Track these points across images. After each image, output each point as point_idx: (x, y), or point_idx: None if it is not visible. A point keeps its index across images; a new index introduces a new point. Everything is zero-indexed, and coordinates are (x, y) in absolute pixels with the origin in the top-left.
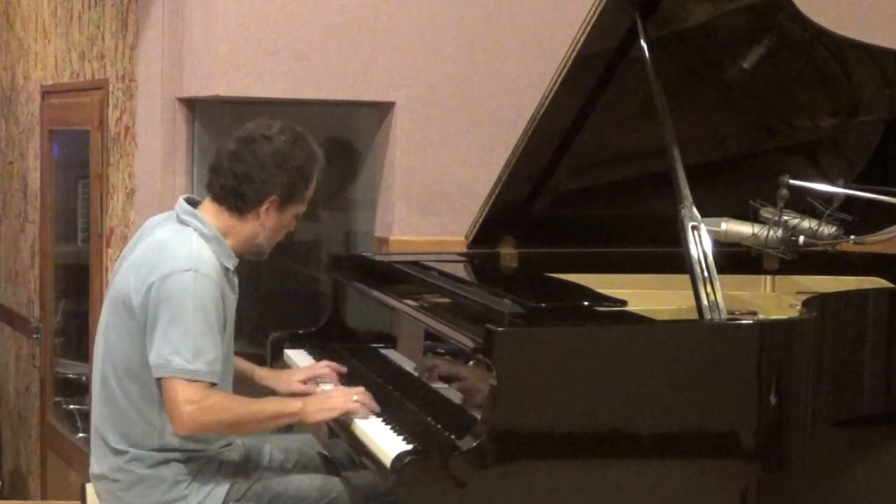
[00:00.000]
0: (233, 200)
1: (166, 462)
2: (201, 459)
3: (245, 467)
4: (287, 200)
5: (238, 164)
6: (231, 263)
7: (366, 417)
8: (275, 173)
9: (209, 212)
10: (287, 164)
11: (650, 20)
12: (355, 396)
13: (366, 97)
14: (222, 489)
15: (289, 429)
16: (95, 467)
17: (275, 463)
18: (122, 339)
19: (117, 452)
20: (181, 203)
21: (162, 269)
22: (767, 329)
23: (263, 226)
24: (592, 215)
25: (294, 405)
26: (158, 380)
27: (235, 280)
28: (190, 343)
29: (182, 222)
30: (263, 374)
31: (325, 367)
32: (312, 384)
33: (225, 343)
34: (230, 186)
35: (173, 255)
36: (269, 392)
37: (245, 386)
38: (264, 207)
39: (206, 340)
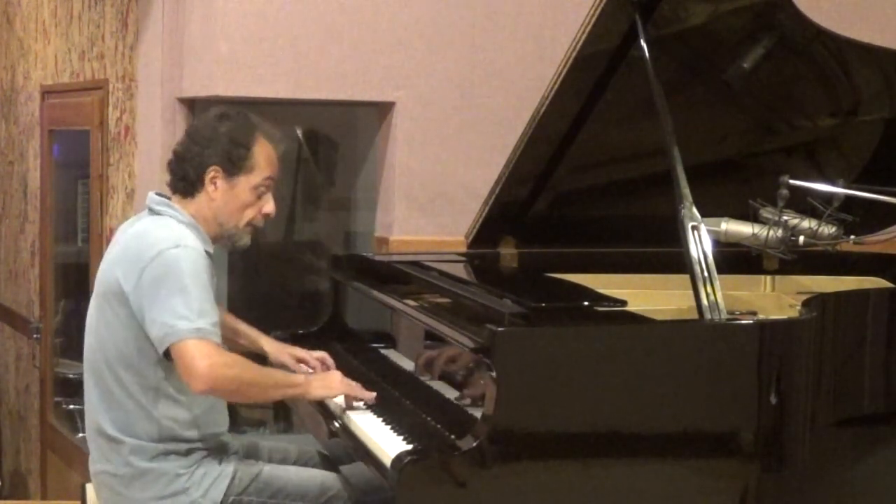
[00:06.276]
0: (180, 185)
1: (166, 455)
2: (201, 452)
3: (246, 462)
4: (231, 170)
5: (179, 150)
6: (209, 247)
7: (364, 410)
8: (207, 145)
9: (177, 204)
10: (216, 133)
11: (650, 20)
12: (353, 383)
13: (366, 97)
14: (223, 483)
15: (288, 428)
16: (95, 465)
17: (275, 460)
18: (113, 330)
19: (117, 443)
20: (151, 196)
21: (150, 252)
22: (767, 329)
23: (214, 199)
24: (592, 215)
25: (298, 378)
26: (166, 352)
27: (213, 266)
28: (194, 306)
29: (156, 213)
30: (264, 343)
31: (318, 359)
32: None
33: None
34: (175, 171)
35: (157, 237)
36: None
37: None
38: (209, 178)
39: (206, 304)
